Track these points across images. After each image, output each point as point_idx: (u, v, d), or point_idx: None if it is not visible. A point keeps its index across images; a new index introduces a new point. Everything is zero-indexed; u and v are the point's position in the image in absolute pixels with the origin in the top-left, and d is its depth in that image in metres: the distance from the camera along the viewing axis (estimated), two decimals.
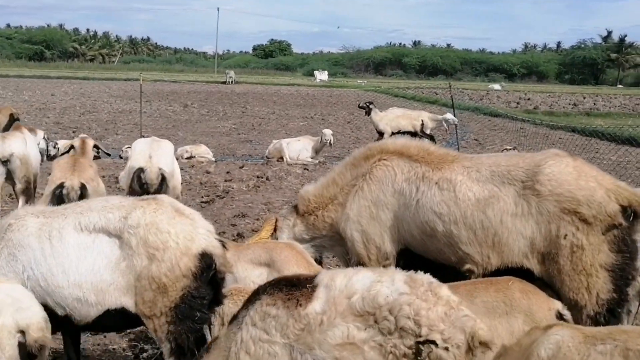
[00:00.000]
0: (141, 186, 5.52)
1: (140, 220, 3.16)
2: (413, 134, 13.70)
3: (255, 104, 30.10)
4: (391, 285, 2.53)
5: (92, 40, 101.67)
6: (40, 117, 20.50)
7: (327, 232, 4.10)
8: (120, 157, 7.29)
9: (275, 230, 4.28)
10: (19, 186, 7.02)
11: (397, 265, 3.71)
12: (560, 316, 3.12)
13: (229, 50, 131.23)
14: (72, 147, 6.46)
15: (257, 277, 3.71)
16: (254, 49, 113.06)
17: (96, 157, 6.79)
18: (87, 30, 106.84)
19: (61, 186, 5.36)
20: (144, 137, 6.44)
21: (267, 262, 3.81)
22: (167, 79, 43.13)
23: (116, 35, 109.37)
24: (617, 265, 3.19)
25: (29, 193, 7.18)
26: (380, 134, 13.90)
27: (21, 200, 7.02)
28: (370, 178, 3.79)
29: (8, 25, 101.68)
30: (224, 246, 3.32)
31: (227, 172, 11.53)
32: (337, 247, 4.18)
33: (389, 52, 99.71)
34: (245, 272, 3.75)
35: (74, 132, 16.90)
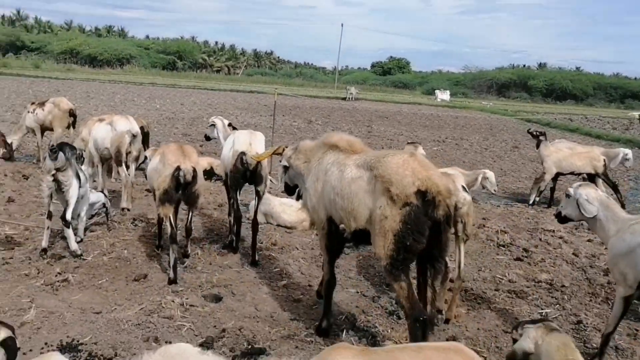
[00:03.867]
0: (242, 165, 6.97)
1: None
2: (591, 176, 11.41)
3: (380, 123, 28.71)
4: None
5: (220, 52, 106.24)
6: (169, 127, 20.47)
7: (298, 177, 5.46)
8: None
9: (279, 154, 5.97)
10: (134, 154, 9.03)
11: (328, 230, 4.90)
12: None
13: (347, 66, 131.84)
14: (145, 157, 7.51)
15: None
16: (373, 65, 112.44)
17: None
18: (216, 42, 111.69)
19: (178, 169, 6.25)
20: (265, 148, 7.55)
21: None
22: (288, 94, 43.03)
23: (242, 48, 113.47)
24: (401, 232, 4.08)
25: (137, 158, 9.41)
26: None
27: (133, 165, 8.94)
28: (319, 162, 5.00)
29: (147, 37, 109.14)
30: None
31: None
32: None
33: (514, 73, 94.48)
34: None
35: (201, 145, 16.35)
